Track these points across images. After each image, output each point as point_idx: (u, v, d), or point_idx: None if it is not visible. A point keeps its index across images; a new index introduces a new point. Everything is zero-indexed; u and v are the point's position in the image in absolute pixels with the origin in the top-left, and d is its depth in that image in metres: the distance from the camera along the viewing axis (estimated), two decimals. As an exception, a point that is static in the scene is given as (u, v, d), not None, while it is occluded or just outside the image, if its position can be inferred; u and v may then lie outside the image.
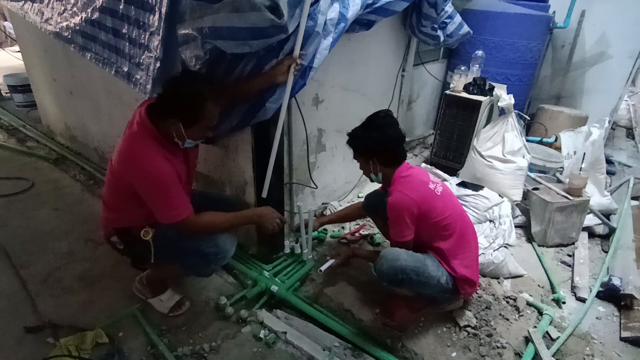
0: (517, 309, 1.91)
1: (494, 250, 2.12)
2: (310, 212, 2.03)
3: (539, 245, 2.42)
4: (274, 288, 1.87)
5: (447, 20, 2.61)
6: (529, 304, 1.95)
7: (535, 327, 1.80)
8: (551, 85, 4.31)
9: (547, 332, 1.79)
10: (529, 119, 3.60)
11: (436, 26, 2.54)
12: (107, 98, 2.62)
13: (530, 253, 2.37)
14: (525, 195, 2.60)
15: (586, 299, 2.00)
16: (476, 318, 1.82)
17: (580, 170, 2.68)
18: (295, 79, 1.61)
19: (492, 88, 2.93)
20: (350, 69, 2.35)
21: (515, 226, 2.47)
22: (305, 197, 2.42)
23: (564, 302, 1.99)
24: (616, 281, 2.01)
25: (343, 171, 2.66)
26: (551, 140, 3.52)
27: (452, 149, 3.11)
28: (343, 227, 2.49)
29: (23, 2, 2.56)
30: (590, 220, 2.52)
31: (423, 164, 3.17)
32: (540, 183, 2.60)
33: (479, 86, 2.90)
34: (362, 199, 2.12)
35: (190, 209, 1.49)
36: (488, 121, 3.00)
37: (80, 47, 2.14)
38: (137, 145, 1.42)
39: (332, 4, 1.64)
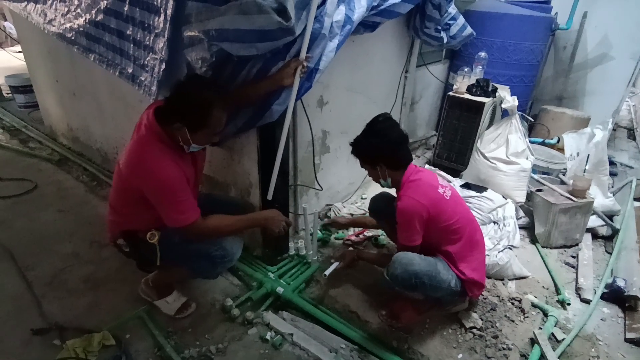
0: (522, 310, 1.91)
1: (499, 252, 2.12)
2: (315, 213, 2.03)
3: (543, 247, 2.42)
4: (280, 290, 1.87)
5: (451, 22, 2.60)
6: (534, 306, 1.95)
7: (540, 328, 1.81)
8: (553, 87, 4.32)
9: (552, 333, 1.79)
10: (532, 120, 3.60)
11: (440, 28, 2.54)
12: (111, 99, 2.62)
13: (534, 254, 2.37)
14: (529, 196, 2.61)
15: (591, 301, 2.01)
16: (482, 319, 1.83)
17: (584, 172, 2.68)
18: (301, 81, 1.61)
19: (495, 89, 2.93)
20: (355, 70, 2.35)
21: (519, 227, 2.46)
22: (310, 199, 2.42)
23: (568, 304, 2.00)
24: (620, 282, 2.01)
25: (347, 172, 2.66)
26: (554, 141, 3.52)
27: (455, 151, 3.11)
28: (347, 229, 2.49)
29: (26, 3, 2.55)
30: (593, 221, 2.53)
31: (426, 166, 3.17)
32: (544, 184, 2.60)
33: (482, 87, 2.90)
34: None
35: (198, 212, 1.48)
36: (491, 123, 3.00)
37: (84, 49, 2.14)
38: (145, 149, 1.42)
39: (338, 6, 1.64)
